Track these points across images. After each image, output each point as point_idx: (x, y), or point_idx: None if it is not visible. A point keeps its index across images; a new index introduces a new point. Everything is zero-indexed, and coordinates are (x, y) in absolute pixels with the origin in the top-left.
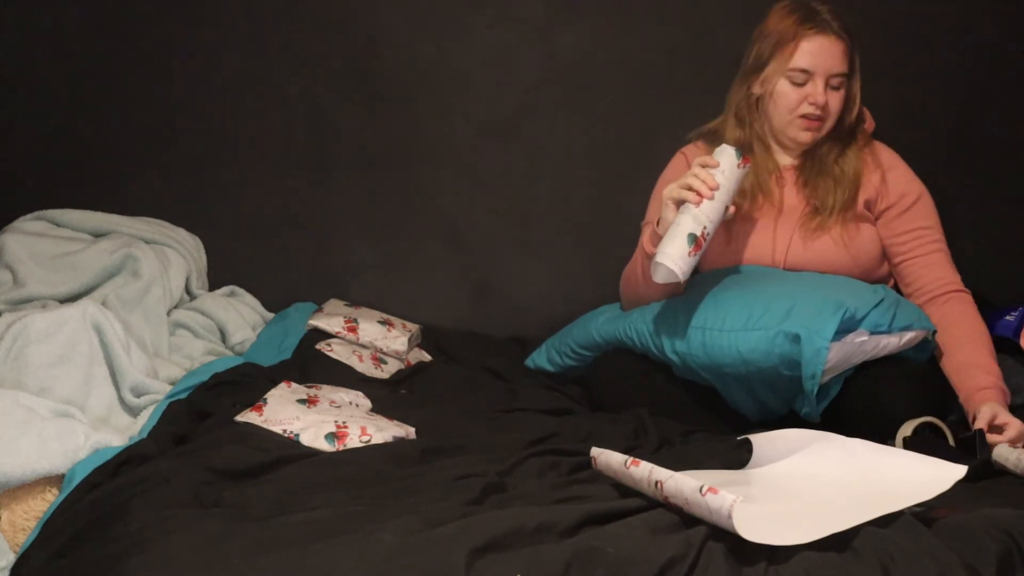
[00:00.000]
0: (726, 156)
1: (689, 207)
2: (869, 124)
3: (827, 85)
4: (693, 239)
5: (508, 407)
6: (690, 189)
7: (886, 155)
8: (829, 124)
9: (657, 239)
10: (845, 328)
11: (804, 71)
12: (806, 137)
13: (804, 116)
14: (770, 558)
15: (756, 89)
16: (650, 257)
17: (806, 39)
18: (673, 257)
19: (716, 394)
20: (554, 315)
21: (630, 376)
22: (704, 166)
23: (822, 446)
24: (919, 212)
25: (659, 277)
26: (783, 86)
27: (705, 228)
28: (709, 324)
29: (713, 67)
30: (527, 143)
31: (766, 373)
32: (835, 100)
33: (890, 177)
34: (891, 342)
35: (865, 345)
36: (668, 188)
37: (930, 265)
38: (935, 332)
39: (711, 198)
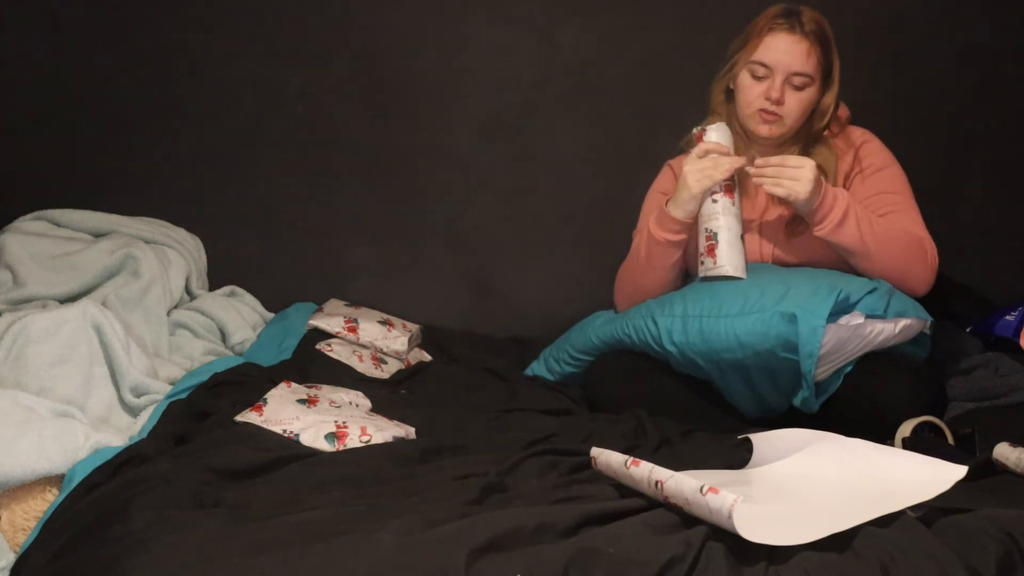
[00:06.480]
0: (723, 134)
1: (727, 205)
2: (843, 111)
3: (787, 83)
4: (742, 238)
5: (508, 407)
6: (715, 172)
7: (858, 133)
8: (790, 123)
9: (668, 220)
10: (840, 310)
11: (764, 65)
12: (764, 130)
13: (761, 110)
14: (770, 558)
15: (731, 84)
16: (660, 242)
17: (772, 34)
18: (738, 266)
19: (716, 393)
20: (554, 315)
21: (629, 375)
22: (713, 152)
23: (822, 446)
24: (885, 178)
25: (711, 276)
26: (745, 78)
27: (741, 221)
28: (706, 312)
29: (713, 67)
30: (527, 143)
31: (763, 358)
32: (794, 100)
33: (862, 151)
34: (887, 328)
35: (861, 329)
36: (694, 177)
37: (888, 216)
38: (932, 323)
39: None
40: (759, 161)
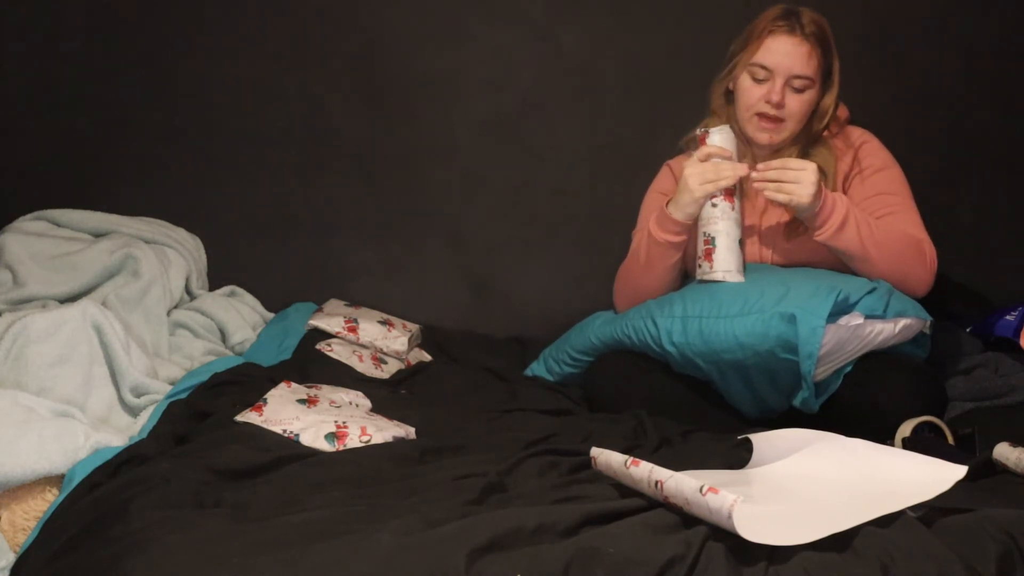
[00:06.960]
0: (727, 137)
1: (726, 210)
2: (842, 111)
3: (787, 85)
4: (742, 243)
5: (508, 407)
6: (719, 179)
7: (857, 133)
8: (791, 126)
9: (668, 221)
10: (839, 311)
11: (764, 67)
12: (763, 138)
13: (761, 115)
14: (770, 558)
15: (730, 85)
16: (660, 243)
17: (772, 36)
18: (735, 271)
19: (716, 393)
20: (554, 315)
21: (629, 375)
22: (716, 157)
23: (822, 446)
24: (884, 179)
25: (707, 280)
26: (745, 80)
27: (742, 226)
28: (706, 313)
29: (713, 67)
30: (527, 143)
31: (763, 358)
32: (795, 102)
33: (862, 152)
34: (886, 328)
35: (860, 330)
36: (695, 181)
37: (887, 217)
38: (931, 322)
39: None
40: (761, 166)
